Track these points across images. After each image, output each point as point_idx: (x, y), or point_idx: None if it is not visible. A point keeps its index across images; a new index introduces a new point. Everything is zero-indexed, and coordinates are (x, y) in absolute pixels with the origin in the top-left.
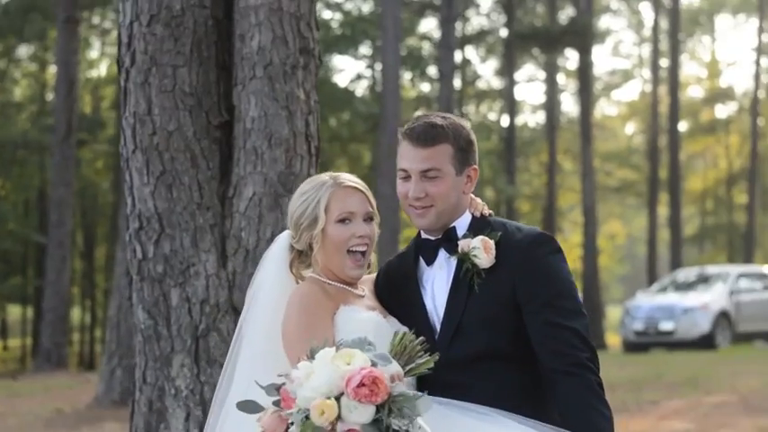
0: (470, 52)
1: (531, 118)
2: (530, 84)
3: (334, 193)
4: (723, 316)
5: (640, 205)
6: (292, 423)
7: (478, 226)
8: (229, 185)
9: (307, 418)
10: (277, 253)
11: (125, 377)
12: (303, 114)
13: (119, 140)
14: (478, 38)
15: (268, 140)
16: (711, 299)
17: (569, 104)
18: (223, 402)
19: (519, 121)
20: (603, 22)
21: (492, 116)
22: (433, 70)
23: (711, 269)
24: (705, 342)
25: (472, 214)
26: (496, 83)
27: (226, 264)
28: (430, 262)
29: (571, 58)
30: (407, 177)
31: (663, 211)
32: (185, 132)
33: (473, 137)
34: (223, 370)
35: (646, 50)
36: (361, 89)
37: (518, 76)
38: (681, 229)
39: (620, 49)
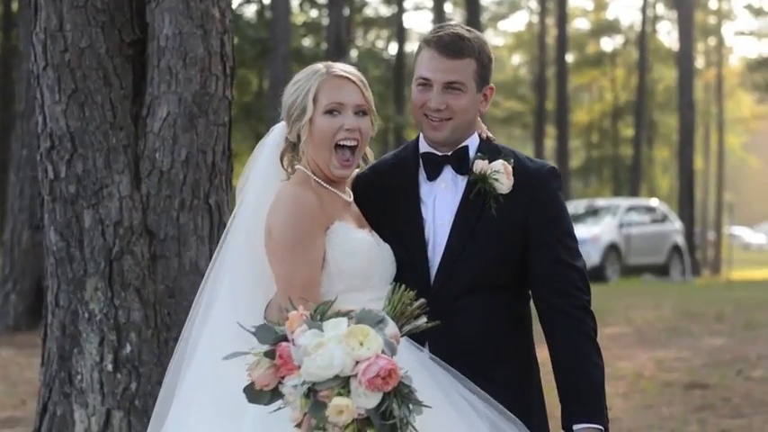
0: None
1: (415, 46)
2: (417, 12)
3: (325, 81)
4: (612, 249)
5: (527, 137)
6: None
7: (488, 149)
8: (143, 105)
9: (308, 392)
10: (270, 144)
11: (19, 302)
12: (218, 33)
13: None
14: None
15: (183, 60)
16: (601, 231)
17: None
18: (205, 318)
19: (407, 49)
20: None
21: (380, 44)
22: None
23: (600, 202)
24: (595, 274)
25: (479, 135)
26: (384, 10)
27: (139, 185)
28: (433, 177)
29: None
30: (427, 86)
31: (549, 143)
32: (98, 50)
33: (493, 55)
34: (205, 277)
35: None
36: (249, 13)
37: (406, 3)
38: (568, 161)
39: None
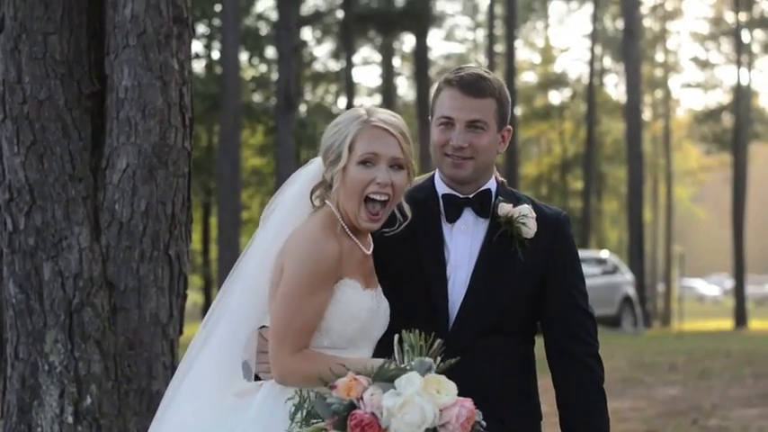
0: (307, 33)
1: (368, 101)
2: (366, 67)
3: (363, 130)
4: None
5: None
6: None
7: (506, 193)
8: (102, 157)
9: None
10: (304, 176)
11: None
12: (177, 85)
13: None
14: (315, 19)
15: (142, 111)
16: None
17: (405, 88)
18: (207, 338)
19: (356, 103)
20: (439, 5)
21: (329, 98)
22: (270, 51)
23: None
24: None
25: (496, 179)
26: (333, 65)
27: (99, 237)
28: (453, 219)
29: (407, 41)
30: (450, 126)
31: None
32: (56, 101)
33: (509, 97)
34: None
35: (481, 35)
36: (198, 68)
37: (355, 58)
38: None
39: (455, 33)
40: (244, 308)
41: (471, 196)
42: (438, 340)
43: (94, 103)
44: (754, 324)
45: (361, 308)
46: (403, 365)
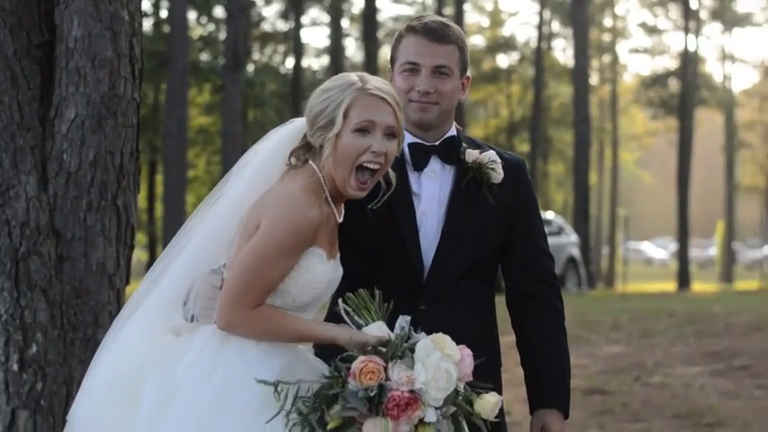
0: None
1: (316, 62)
2: (314, 27)
3: (358, 98)
4: None
5: None
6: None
7: (467, 140)
8: (51, 107)
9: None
10: (284, 135)
11: None
12: (127, 36)
13: None
14: None
15: (91, 61)
16: None
17: (353, 49)
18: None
19: (303, 64)
20: None
21: (277, 59)
22: (219, 10)
23: None
24: None
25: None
26: (281, 25)
27: (47, 186)
28: (420, 167)
29: (356, 2)
30: (415, 72)
31: None
32: (5, 51)
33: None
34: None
35: None
36: (146, 26)
37: (303, 19)
38: None
39: None
40: (201, 253)
41: (437, 144)
42: (378, 292)
43: (44, 53)
44: (697, 287)
45: (322, 278)
46: (406, 341)
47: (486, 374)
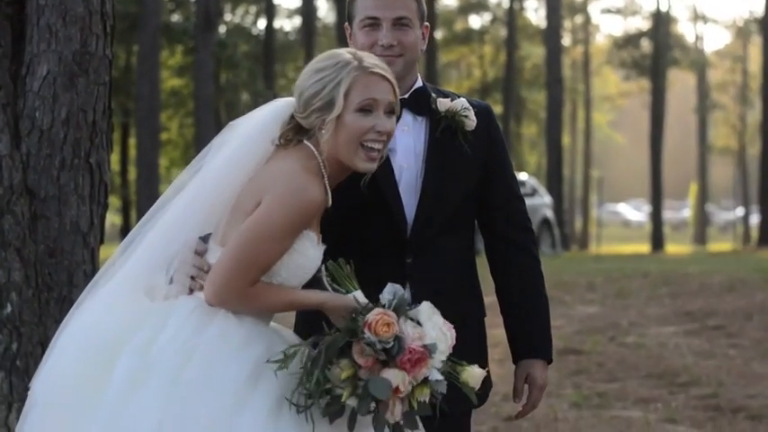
0: None
1: (288, 23)
2: None
3: (359, 77)
4: None
5: None
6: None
7: (434, 90)
8: (22, 64)
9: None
10: (268, 114)
11: None
12: None
13: None
14: None
15: (62, 18)
16: None
17: (325, 10)
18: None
19: (275, 25)
20: None
21: (248, 20)
22: None
23: None
24: None
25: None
26: None
27: (19, 144)
28: None
29: None
30: (375, 26)
31: None
32: None
33: None
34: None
35: None
36: None
37: None
38: None
39: None
40: (179, 223)
41: (407, 96)
42: (349, 265)
43: (14, 9)
44: (671, 249)
45: (312, 263)
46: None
47: (472, 325)
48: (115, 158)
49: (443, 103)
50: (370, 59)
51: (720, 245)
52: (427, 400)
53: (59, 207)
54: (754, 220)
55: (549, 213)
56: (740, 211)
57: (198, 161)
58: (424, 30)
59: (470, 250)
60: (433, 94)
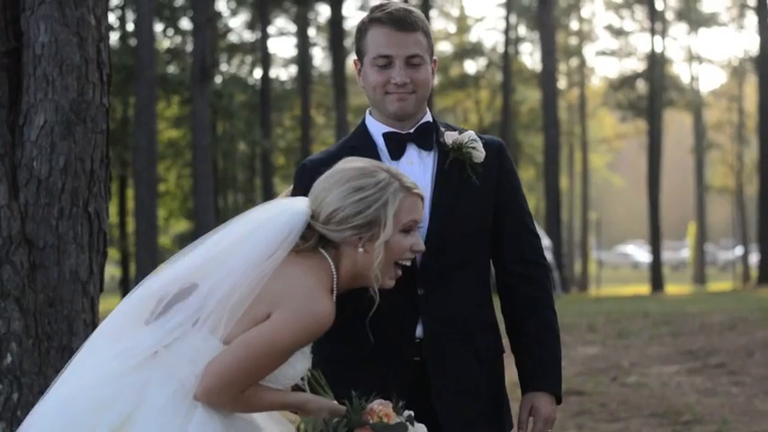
0: (221, 4)
1: (284, 72)
2: (281, 37)
3: (405, 200)
4: None
5: None
6: None
7: (443, 124)
8: (19, 114)
9: None
10: (279, 221)
11: None
12: (94, 41)
13: None
14: None
15: (59, 67)
16: None
17: (320, 59)
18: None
19: (272, 74)
20: None
21: (244, 69)
22: (185, 22)
23: None
24: None
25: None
26: (248, 36)
27: (17, 194)
28: (397, 156)
29: (322, 11)
30: (387, 65)
31: None
32: None
33: None
34: None
35: None
36: (113, 40)
37: (270, 29)
38: None
39: (369, 2)
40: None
41: (412, 131)
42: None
43: (11, 60)
44: (671, 289)
45: (298, 374)
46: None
47: (487, 360)
48: (113, 210)
49: (450, 136)
50: (406, 179)
51: (720, 284)
52: None
53: (58, 256)
54: (754, 258)
55: (549, 256)
56: (739, 250)
57: (201, 241)
58: (433, 65)
59: (486, 285)
60: (442, 128)
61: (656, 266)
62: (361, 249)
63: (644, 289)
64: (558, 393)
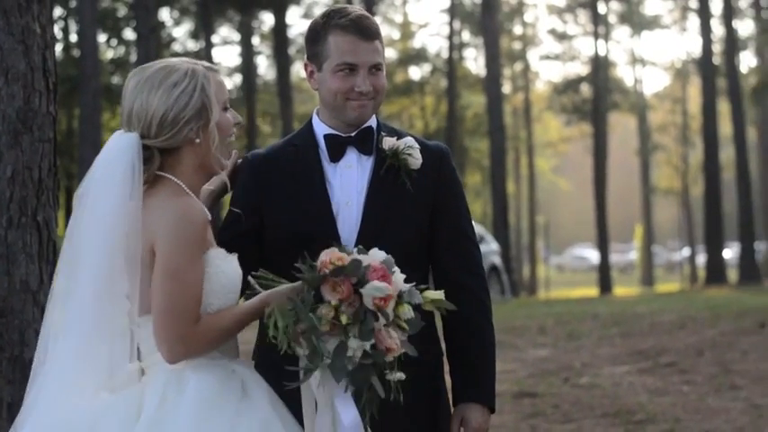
0: (164, 14)
1: (229, 81)
2: (225, 46)
3: (212, 78)
4: None
5: None
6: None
7: (387, 128)
8: None
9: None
10: (120, 157)
11: None
12: (40, 49)
13: None
14: None
15: (5, 76)
16: None
17: (264, 67)
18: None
19: None
20: None
21: None
22: (129, 32)
23: None
24: None
25: (376, 117)
26: (192, 45)
27: None
28: (336, 158)
29: (266, 20)
30: (352, 71)
31: None
32: None
33: None
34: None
35: None
36: (56, 51)
37: (214, 38)
38: None
39: (314, 10)
40: (98, 296)
41: (353, 134)
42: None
43: None
44: (619, 291)
45: (232, 275)
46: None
47: (428, 365)
48: (60, 223)
49: (388, 142)
50: (203, 62)
51: (668, 285)
52: (412, 315)
53: (8, 266)
54: (701, 259)
55: (498, 260)
56: (686, 251)
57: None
58: (385, 71)
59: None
60: (383, 133)
61: (603, 268)
62: (198, 140)
63: (592, 291)
64: (491, 404)
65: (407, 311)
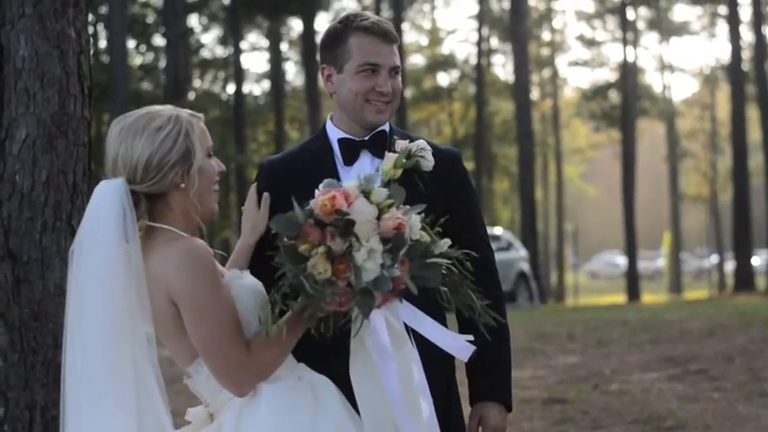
0: (193, 20)
1: (257, 87)
2: (254, 52)
3: (196, 124)
4: None
5: None
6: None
7: (399, 133)
8: (1, 128)
9: None
10: (109, 205)
11: None
12: (75, 53)
13: None
14: (201, 5)
15: (40, 81)
16: None
17: (293, 73)
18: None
19: (245, 90)
20: None
21: (217, 85)
22: (158, 39)
23: None
24: None
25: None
26: (221, 51)
27: (0, 209)
28: (350, 162)
29: (294, 26)
30: (374, 72)
31: None
32: None
33: None
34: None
35: None
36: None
37: (242, 44)
38: None
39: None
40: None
41: (367, 138)
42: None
43: None
44: (647, 298)
45: (255, 288)
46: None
47: (440, 366)
48: None
49: (401, 144)
50: (186, 110)
51: (696, 293)
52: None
53: (42, 270)
54: (729, 266)
55: (526, 267)
56: (714, 258)
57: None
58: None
59: (435, 300)
60: (395, 137)
61: (632, 275)
62: (183, 185)
63: (620, 298)
64: (508, 403)
65: (379, 193)
